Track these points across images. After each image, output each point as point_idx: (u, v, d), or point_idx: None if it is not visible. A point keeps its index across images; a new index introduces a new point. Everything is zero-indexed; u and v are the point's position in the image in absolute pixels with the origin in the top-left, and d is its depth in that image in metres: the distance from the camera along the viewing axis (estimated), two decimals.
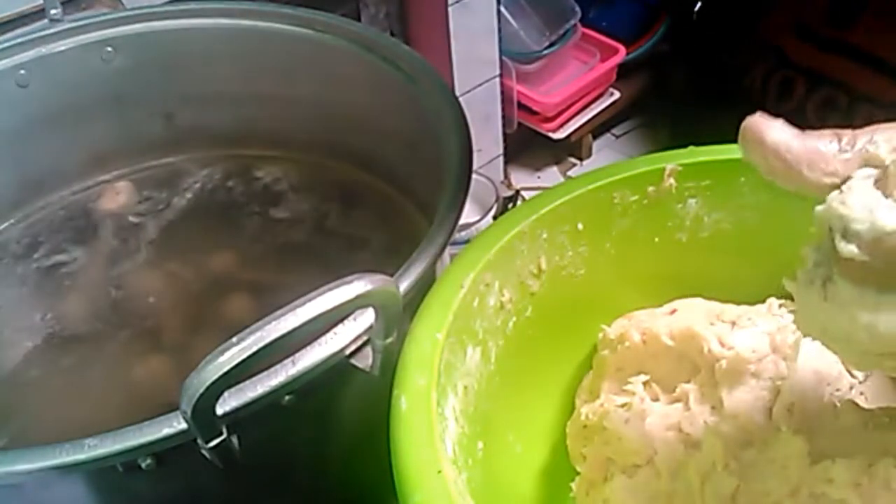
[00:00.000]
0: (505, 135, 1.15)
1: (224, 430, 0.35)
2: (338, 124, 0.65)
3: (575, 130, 1.17)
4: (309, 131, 0.67)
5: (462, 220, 0.45)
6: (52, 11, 0.60)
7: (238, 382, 0.35)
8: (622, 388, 0.42)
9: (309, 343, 0.37)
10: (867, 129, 0.27)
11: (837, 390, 0.37)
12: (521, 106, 1.13)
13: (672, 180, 0.43)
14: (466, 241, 0.41)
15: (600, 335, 0.45)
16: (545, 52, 1.09)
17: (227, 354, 0.30)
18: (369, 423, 0.36)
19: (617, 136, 1.30)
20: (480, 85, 1.06)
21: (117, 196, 0.66)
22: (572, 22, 1.10)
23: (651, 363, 0.42)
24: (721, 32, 1.09)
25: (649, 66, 1.24)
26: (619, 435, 0.40)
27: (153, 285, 0.60)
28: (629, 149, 1.27)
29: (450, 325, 0.36)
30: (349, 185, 0.66)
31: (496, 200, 1.03)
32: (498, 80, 1.08)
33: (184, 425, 0.34)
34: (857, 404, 0.36)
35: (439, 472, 0.30)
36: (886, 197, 0.26)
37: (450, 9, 0.95)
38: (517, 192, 1.19)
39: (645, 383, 0.42)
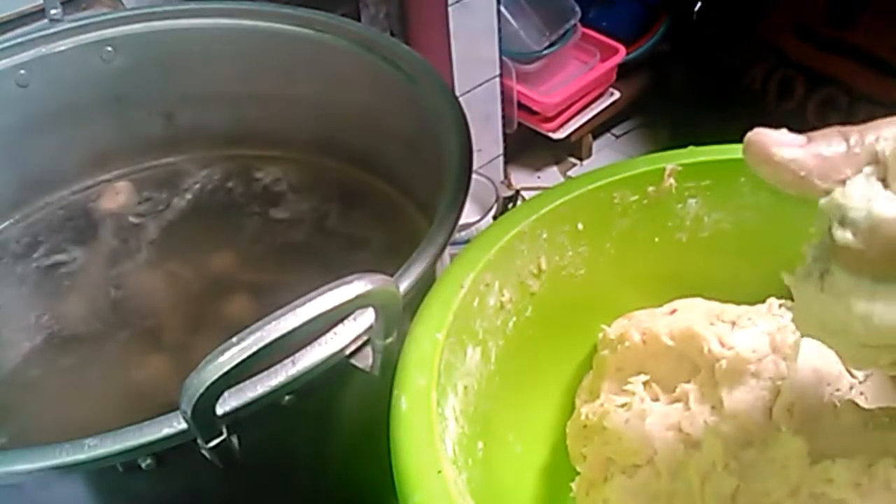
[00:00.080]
0: (505, 135, 1.15)
1: (224, 430, 0.35)
2: (338, 124, 0.65)
3: (575, 130, 1.17)
4: (309, 131, 0.67)
5: (462, 220, 0.45)
6: (52, 11, 0.60)
7: (238, 382, 0.35)
8: (622, 388, 0.42)
9: (309, 343, 0.37)
10: (872, 124, 0.27)
11: (837, 390, 0.37)
12: (521, 106, 1.13)
13: (672, 180, 0.43)
14: (466, 241, 0.41)
15: (600, 335, 0.45)
16: (545, 52, 1.09)
17: (227, 354, 0.30)
18: (369, 423, 0.36)
19: (617, 136, 1.30)
20: (480, 85, 1.06)
21: (117, 196, 0.66)
22: (572, 22, 1.10)
23: (651, 363, 0.42)
24: (721, 32, 1.09)
25: (649, 66, 1.24)
26: (619, 435, 0.40)
27: (153, 285, 0.60)
28: (629, 149, 1.27)
29: (450, 325, 0.36)
30: (349, 185, 0.66)
31: (496, 200, 1.03)
32: (498, 80, 1.08)
33: (184, 425, 0.34)
34: (857, 404, 0.36)
35: (439, 472, 0.30)
36: (885, 189, 0.26)
37: (450, 9, 0.95)
38: (517, 192, 1.19)
39: (645, 383, 0.42)
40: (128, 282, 0.60)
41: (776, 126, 0.28)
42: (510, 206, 1.12)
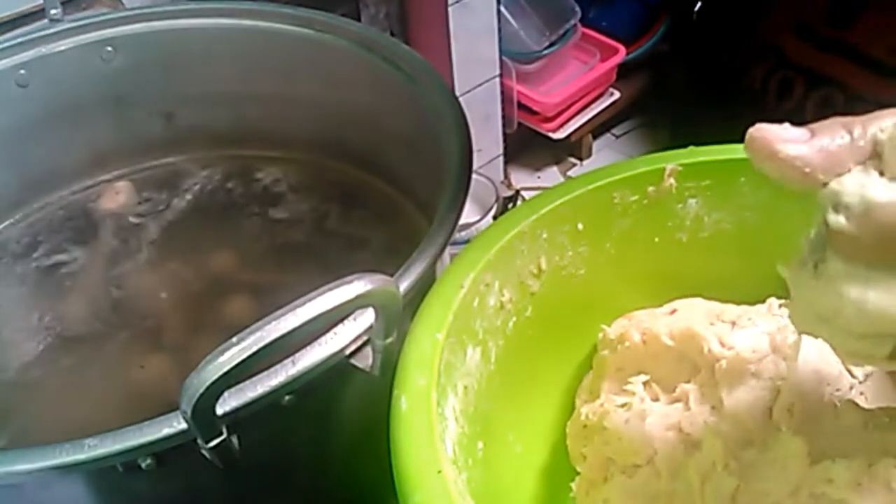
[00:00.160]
0: (505, 135, 1.15)
1: (224, 430, 0.35)
2: (338, 124, 0.65)
3: (575, 130, 1.17)
4: (309, 131, 0.67)
5: (462, 220, 0.45)
6: (52, 11, 0.60)
7: (238, 382, 0.35)
8: (622, 388, 0.42)
9: (309, 343, 0.37)
10: (874, 115, 0.27)
11: (837, 390, 0.37)
12: (521, 106, 1.13)
13: (672, 180, 0.43)
14: (466, 241, 0.41)
15: (600, 335, 0.45)
16: (545, 52, 1.09)
17: (227, 354, 0.30)
18: (369, 423, 0.36)
19: (617, 136, 1.30)
20: (480, 85, 1.06)
21: (117, 196, 0.66)
22: (572, 22, 1.10)
23: (651, 363, 0.42)
24: (721, 32, 1.09)
25: (649, 66, 1.24)
26: (619, 435, 0.40)
27: (153, 285, 0.60)
28: (629, 149, 1.27)
29: (450, 325, 0.36)
30: (349, 185, 0.66)
31: (496, 200, 1.03)
32: (498, 80, 1.08)
33: (184, 425, 0.34)
34: (857, 404, 0.36)
35: (439, 472, 0.30)
36: (881, 175, 0.26)
37: (450, 9, 0.95)
38: (517, 192, 1.19)
39: (645, 383, 0.42)
40: (128, 282, 0.60)
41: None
42: (510, 206, 1.12)
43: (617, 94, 1.21)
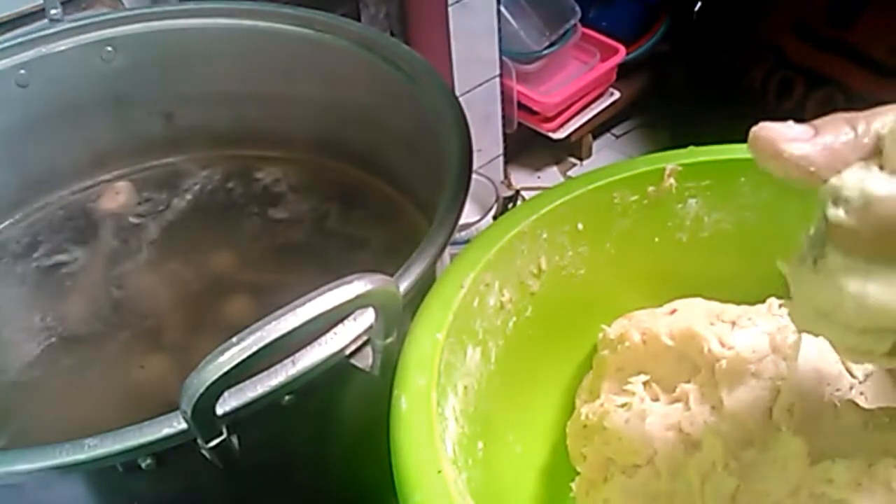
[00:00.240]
0: (505, 135, 1.15)
1: (224, 430, 0.35)
2: (338, 124, 0.65)
3: (575, 130, 1.17)
4: (309, 131, 0.67)
5: (462, 220, 0.45)
6: (52, 11, 0.60)
7: (238, 382, 0.35)
8: (622, 388, 0.42)
9: (309, 343, 0.37)
10: (878, 110, 0.27)
11: (837, 390, 0.37)
12: (521, 106, 1.13)
13: (672, 180, 0.43)
14: (466, 241, 0.41)
15: (600, 335, 0.45)
16: (545, 52, 1.09)
17: (227, 354, 0.30)
18: (369, 423, 0.36)
19: (617, 136, 1.30)
20: (480, 85, 1.06)
21: (117, 196, 0.66)
22: (572, 22, 1.10)
23: (651, 363, 0.42)
24: (721, 32, 1.09)
25: (649, 66, 1.24)
26: (619, 435, 0.40)
27: (153, 285, 0.60)
28: (629, 149, 1.27)
29: (450, 325, 0.36)
30: (349, 185, 0.66)
31: (496, 200, 1.03)
32: (498, 80, 1.08)
33: (184, 425, 0.34)
34: (857, 404, 0.36)
35: (439, 472, 0.30)
36: (881, 170, 0.26)
37: (450, 9, 0.95)
38: (517, 192, 1.19)
39: (645, 383, 0.42)
40: (128, 282, 0.60)
41: None
42: (510, 206, 1.12)
43: (617, 94, 1.21)
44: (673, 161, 0.43)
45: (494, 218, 1.00)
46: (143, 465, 0.36)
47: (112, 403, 0.52)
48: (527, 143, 1.21)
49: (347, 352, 0.38)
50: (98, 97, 0.64)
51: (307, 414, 0.40)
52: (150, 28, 0.63)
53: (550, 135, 1.16)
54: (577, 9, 1.09)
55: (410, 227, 0.61)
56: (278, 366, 0.36)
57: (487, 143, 1.13)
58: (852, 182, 0.26)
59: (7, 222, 0.64)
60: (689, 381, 0.40)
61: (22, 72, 0.60)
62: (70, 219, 0.65)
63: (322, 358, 0.37)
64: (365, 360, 0.38)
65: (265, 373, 0.36)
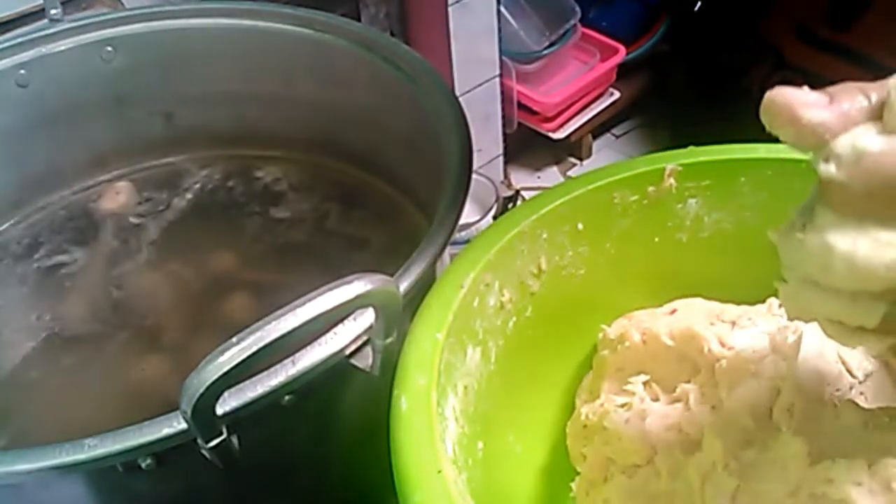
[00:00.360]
0: (505, 135, 1.15)
1: (224, 430, 0.35)
2: (338, 124, 0.65)
3: (575, 130, 1.18)
4: (309, 131, 0.67)
5: (462, 220, 0.45)
6: (52, 11, 0.60)
7: (238, 382, 0.35)
8: (622, 388, 0.42)
9: (309, 343, 0.37)
10: (889, 80, 0.27)
11: (837, 390, 0.37)
12: (521, 106, 1.13)
13: (672, 180, 0.43)
14: (466, 241, 0.41)
15: (600, 335, 0.45)
16: (545, 52, 1.09)
17: (227, 354, 0.30)
18: (369, 423, 0.36)
19: (617, 136, 1.30)
20: (480, 85, 1.06)
21: (117, 196, 0.66)
22: (572, 22, 1.10)
23: (651, 363, 0.42)
24: (721, 33, 1.09)
25: (649, 66, 1.24)
26: (619, 435, 0.40)
27: (153, 286, 0.60)
28: (629, 149, 1.27)
29: (450, 325, 0.36)
30: (349, 185, 0.66)
31: (496, 200, 1.03)
32: (498, 80, 1.08)
33: (184, 425, 0.34)
34: (857, 404, 0.36)
35: (439, 472, 0.30)
36: (876, 130, 0.26)
37: (450, 9, 0.95)
38: (517, 192, 1.19)
39: (645, 383, 0.42)
40: (128, 282, 0.60)
41: None
42: (510, 206, 1.12)
43: (617, 94, 1.21)
44: (673, 161, 0.43)
45: (494, 218, 1.00)
46: (143, 465, 0.36)
47: (112, 403, 0.52)
48: (527, 143, 1.21)
49: (347, 352, 0.38)
50: (98, 97, 0.64)
51: (307, 414, 0.40)
52: (150, 28, 0.63)
53: (550, 135, 1.16)
54: (577, 9, 1.10)
55: (410, 227, 0.61)
56: (278, 366, 0.36)
57: (487, 143, 1.13)
58: (845, 139, 0.26)
59: (8, 223, 0.64)
60: (689, 381, 0.40)
61: (22, 72, 0.60)
62: (70, 219, 0.65)
63: (322, 358, 0.37)
64: (365, 360, 0.38)
65: (265, 373, 0.36)
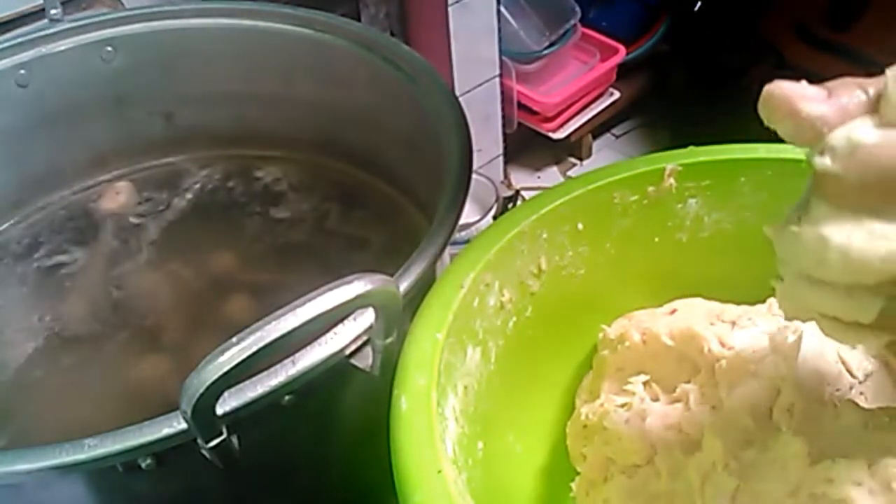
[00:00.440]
0: (505, 135, 1.15)
1: (224, 430, 0.35)
2: (338, 124, 0.65)
3: (575, 130, 1.17)
4: (309, 131, 0.67)
5: (462, 220, 0.45)
6: (52, 11, 0.60)
7: (238, 382, 0.35)
8: (622, 388, 0.42)
9: (309, 343, 0.37)
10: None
11: (837, 390, 0.37)
12: (521, 106, 1.13)
13: (672, 180, 0.43)
14: (466, 241, 0.41)
15: (600, 335, 0.45)
16: (545, 52, 1.09)
17: (227, 354, 0.30)
18: (369, 423, 0.36)
19: (617, 136, 1.30)
20: (480, 85, 1.06)
21: (117, 196, 0.66)
22: (572, 22, 1.10)
23: (651, 363, 0.42)
24: (721, 33, 1.09)
25: (649, 66, 1.24)
26: (619, 435, 0.40)
27: (153, 286, 0.60)
28: (629, 149, 1.27)
29: (450, 325, 0.36)
30: (349, 185, 0.66)
31: (496, 200, 1.03)
32: (498, 80, 1.08)
33: (184, 425, 0.34)
34: (857, 404, 0.36)
35: (439, 472, 0.30)
36: (872, 117, 0.26)
37: (450, 9, 0.95)
38: (517, 192, 1.19)
39: (645, 383, 0.42)
40: (128, 282, 0.60)
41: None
42: (510, 206, 1.12)
43: (617, 94, 1.21)
44: (673, 161, 0.43)
45: (494, 218, 1.00)
46: (143, 465, 0.36)
47: (112, 403, 0.52)
48: (527, 143, 1.21)
49: (347, 352, 0.38)
50: (98, 97, 0.64)
51: (307, 414, 0.40)
52: (150, 28, 0.63)
53: (550, 135, 1.16)
54: (577, 9, 1.10)
55: (410, 227, 0.61)
56: (278, 366, 0.36)
57: (487, 143, 1.13)
58: (840, 132, 0.26)
59: (8, 223, 0.64)
60: (689, 381, 0.40)
61: (22, 72, 0.60)
62: (70, 219, 0.65)
63: (322, 358, 0.37)
64: (365, 360, 0.38)
65: (265, 373, 0.36)
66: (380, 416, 0.33)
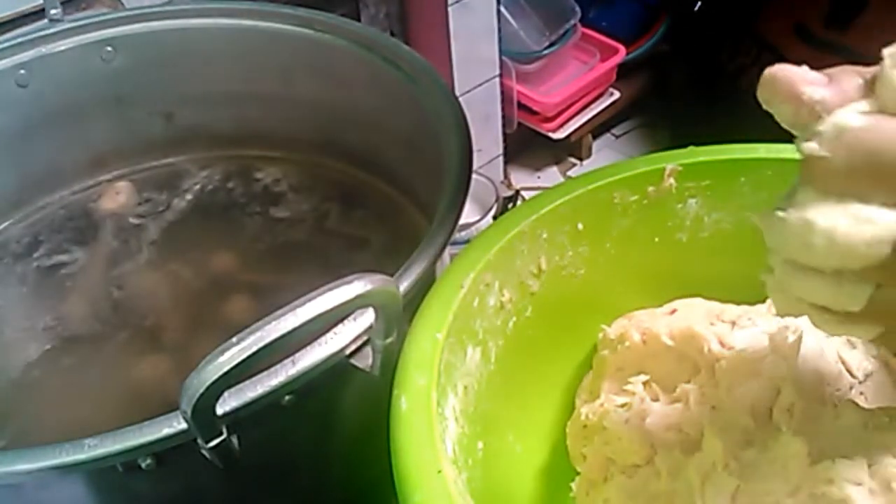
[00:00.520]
0: (505, 135, 1.15)
1: (224, 430, 0.35)
2: (338, 124, 0.65)
3: (575, 130, 1.18)
4: (309, 131, 0.67)
5: (462, 220, 0.45)
6: (52, 11, 0.60)
7: (238, 382, 0.35)
8: (622, 388, 0.42)
9: (309, 343, 0.37)
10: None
11: (837, 390, 0.37)
12: (521, 106, 1.13)
13: (672, 180, 0.43)
14: (466, 241, 0.41)
15: (600, 335, 0.45)
16: (545, 52, 1.09)
17: (227, 354, 0.30)
18: (369, 423, 0.36)
19: (617, 136, 1.30)
20: (480, 85, 1.06)
21: (117, 196, 0.66)
22: (572, 22, 1.10)
23: (651, 363, 0.42)
24: (721, 33, 1.09)
25: (649, 66, 1.24)
26: (619, 435, 0.40)
27: (153, 286, 0.60)
28: (629, 149, 1.28)
29: (450, 325, 0.36)
30: (349, 185, 0.66)
31: (496, 200, 1.03)
32: (498, 80, 1.08)
33: (184, 425, 0.34)
34: (857, 404, 0.36)
35: (439, 472, 0.30)
36: (868, 100, 0.26)
37: (450, 9, 0.95)
38: (517, 192, 1.19)
39: (645, 383, 0.42)
40: (128, 282, 0.60)
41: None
42: (510, 206, 1.12)
43: (617, 94, 1.21)
44: (673, 161, 0.43)
45: (494, 218, 1.00)
46: (143, 465, 0.36)
47: (112, 403, 0.52)
48: (527, 143, 1.22)
49: (347, 352, 0.38)
50: (98, 97, 0.64)
51: (307, 414, 0.40)
52: (150, 28, 0.63)
53: (550, 135, 1.16)
54: (577, 9, 1.10)
55: (410, 227, 0.61)
56: (278, 366, 0.36)
57: (487, 143, 1.13)
58: (828, 118, 0.26)
59: (7, 222, 0.64)
60: (689, 381, 0.40)
61: (22, 72, 0.60)
62: (70, 219, 0.65)
63: (322, 358, 0.37)
64: (365, 360, 0.38)
65: (265, 373, 0.36)
66: (380, 416, 0.33)
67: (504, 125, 1.14)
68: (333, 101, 0.64)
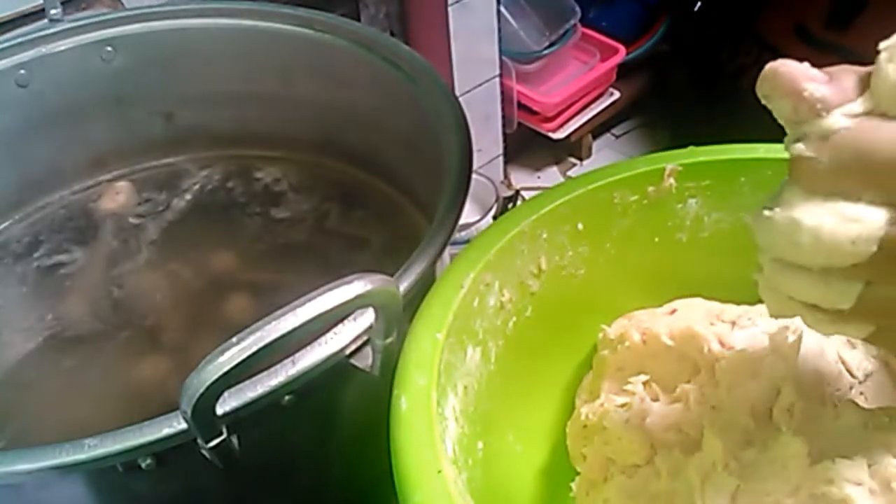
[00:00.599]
0: (505, 135, 1.15)
1: (224, 430, 0.35)
2: (338, 124, 0.65)
3: (575, 130, 1.18)
4: (309, 131, 0.67)
5: (462, 220, 0.45)
6: (52, 11, 0.60)
7: (238, 382, 0.35)
8: (622, 388, 0.42)
9: (309, 343, 0.37)
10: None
11: (837, 390, 0.37)
12: (521, 106, 1.13)
13: (672, 180, 0.43)
14: (466, 241, 0.41)
15: (600, 335, 0.45)
16: (545, 52, 1.09)
17: (227, 354, 0.30)
18: (369, 423, 0.36)
19: (617, 136, 1.30)
20: (480, 85, 1.06)
21: (117, 196, 0.66)
22: (572, 22, 1.10)
23: (651, 363, 0.42)
24: (721, 33, 1.09)
25: (649, 66, 1.24)
26: (619, 435, 0.40)
27: (153, 286, 0.60)
28: (629, 149, 1.28)
29: (450, 325, 0.36)
30: (349, 185, 0.66)
31: (496, 200, 1.03)
32: (498, 80, 1.08)
33: (184, 425, 0.34)
34: (857, 404, 0.36)
35: (439, 472, 0.30)
36: (863, 96, 0.26)
37: (450, 9, 0.95)
38: (517, 192, 1.19)
39: (645, 383, 0.42)
40: (128, 282, 0.60)
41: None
42: (510, 206, 1.12)
43: (617, 94, 1.21)
44: (673, 161, 0.43)
45: (494, 218, 1.00)
46: (143, 465, 0.36)
47: (112, 403, 0.52)
48: (527, 143, 1.22)
49: (347, 352, 0.38)
50: (98, 97, 0.64)
51: (307, 414, 0.40)
52: (150, 28, 0.63)
53: (550, 135, 1.16)
54: (577, 9, 1.10)
55: (410, 227, 0.61)
56: (278, 366, 0.36)
57: (487, 143, 1.13)
58: (816, 120, 0.26)
59: (8, 222, 0.64)
60: (689, 381, 0.40)
61: (22, 72, 0.60)
62: (70, 219, 0.65)
63: (322, 358, 0.37)
64: (365, 360, 0.38)
65: (265, 373, 0.36)
66: (380, 416, 0.33)
67: (504, 125, 1.14)
68: (333, 101, 0.64)
